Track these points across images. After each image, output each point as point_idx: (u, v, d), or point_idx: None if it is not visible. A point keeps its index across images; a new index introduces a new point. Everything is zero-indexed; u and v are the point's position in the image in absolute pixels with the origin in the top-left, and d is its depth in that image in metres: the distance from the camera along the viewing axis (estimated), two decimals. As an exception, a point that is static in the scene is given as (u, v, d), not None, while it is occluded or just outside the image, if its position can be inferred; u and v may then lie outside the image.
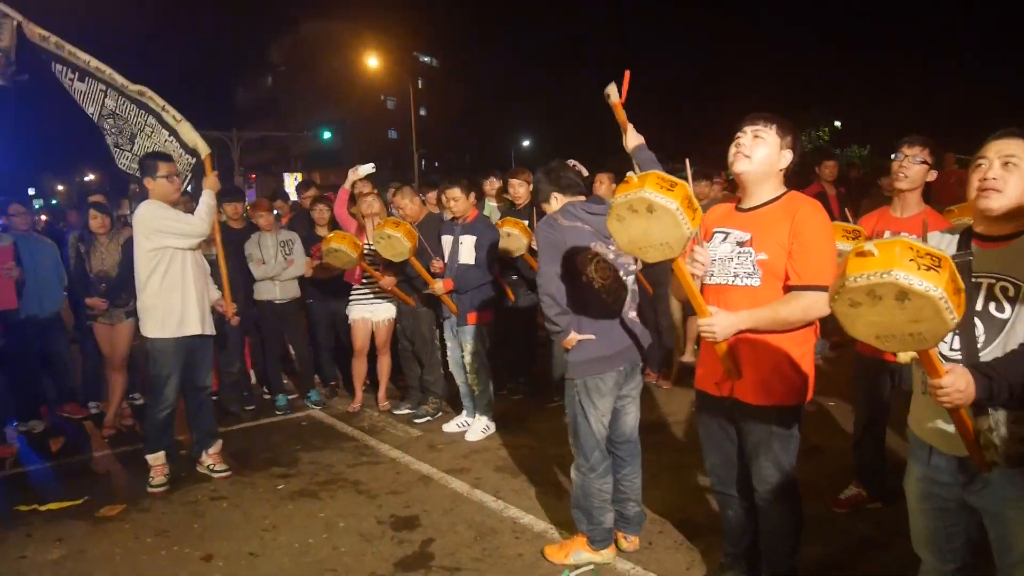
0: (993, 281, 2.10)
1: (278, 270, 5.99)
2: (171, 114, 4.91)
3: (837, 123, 43.64)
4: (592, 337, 3.33)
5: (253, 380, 6.84)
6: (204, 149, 4.97)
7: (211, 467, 4.75)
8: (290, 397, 6.44)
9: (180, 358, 4.53)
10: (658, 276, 6.40)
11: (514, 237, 5.49)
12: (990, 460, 2.03)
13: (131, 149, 5.01)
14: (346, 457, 5.03)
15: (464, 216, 5.27)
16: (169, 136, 4.93)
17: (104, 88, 4.95)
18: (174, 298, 4.45)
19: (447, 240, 5.38)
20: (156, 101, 4.91)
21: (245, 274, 5.98)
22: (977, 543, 2.36)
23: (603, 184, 6.47)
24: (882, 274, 1.69)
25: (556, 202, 3.61)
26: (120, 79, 4.90)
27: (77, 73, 4.93)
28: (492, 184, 6.92)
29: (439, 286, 5.16)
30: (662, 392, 6.42)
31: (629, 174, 2.53)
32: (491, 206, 6.86)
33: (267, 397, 6.56)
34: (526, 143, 51.13)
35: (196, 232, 4.51)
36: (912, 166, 3.61)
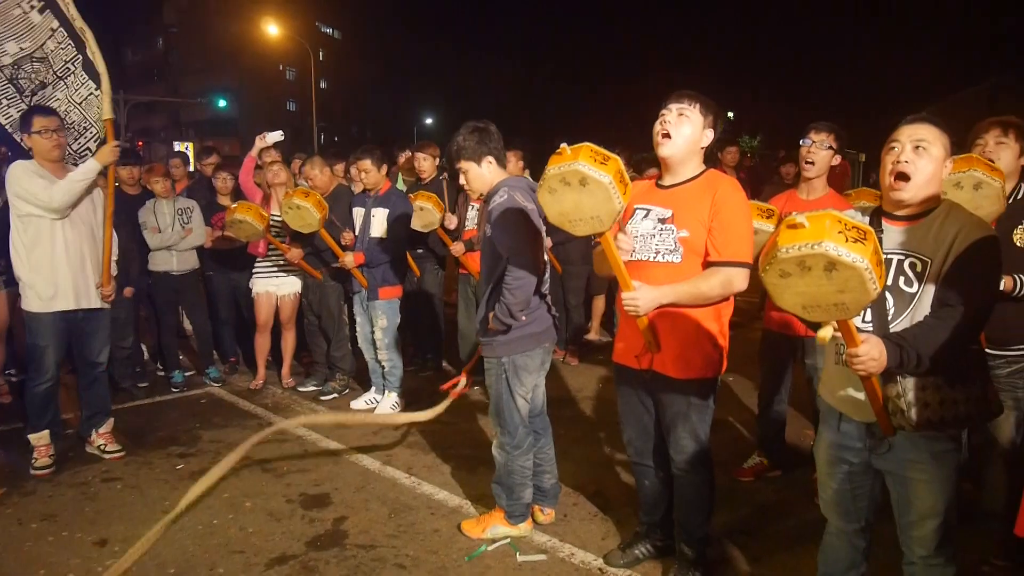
0: (903, 257, 2.21)
1: (175, 239, 5.67)
2: (100, 63, 4.31)
3: (730, 114, 45.28)
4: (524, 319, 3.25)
5: (146, 356, 6.48)
6: (107, 112, 4.34)
7: (102, 447, 4.45)
8: (187, 374, 6.13)
9: (59, 331, 4.21)
10: (568, 254, 6.47)
11: (427, 211, 5.40)
12: (897, 425, 2.14)
13: (28, 101, 4.41)
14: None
15: (376, 188, 5.13)
16: (96, 90, 4.37)
17: (56, 26, 4.31)
18: (43, 271, 4.11)
19: (358, 212, 5.22)
20: (91, 45, 4.29)
21: (139, 243, 5.63)
22: (879, 503, 2.51)
23: (510, 162, 6.43)
24: (813, 245, 1.74)
25: (487, 168, 3.33)
26: (73, 9, 4.28)
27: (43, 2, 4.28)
28: (404, 158, 6.77)
29: (350, 259, 5.01)
30: (570, 368, 6.49)
31: (562, 146, 2.50)
32: (401, 180, 6.72)
33: (161, 374, 6.23)
34: (429, 120, 50.65)
35: (51, 206, 4.04)
36: (820, 151, 3.75)
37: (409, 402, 5.39)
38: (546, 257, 3.49)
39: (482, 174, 3.35)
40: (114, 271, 4.52)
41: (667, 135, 2.73)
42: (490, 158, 3.34)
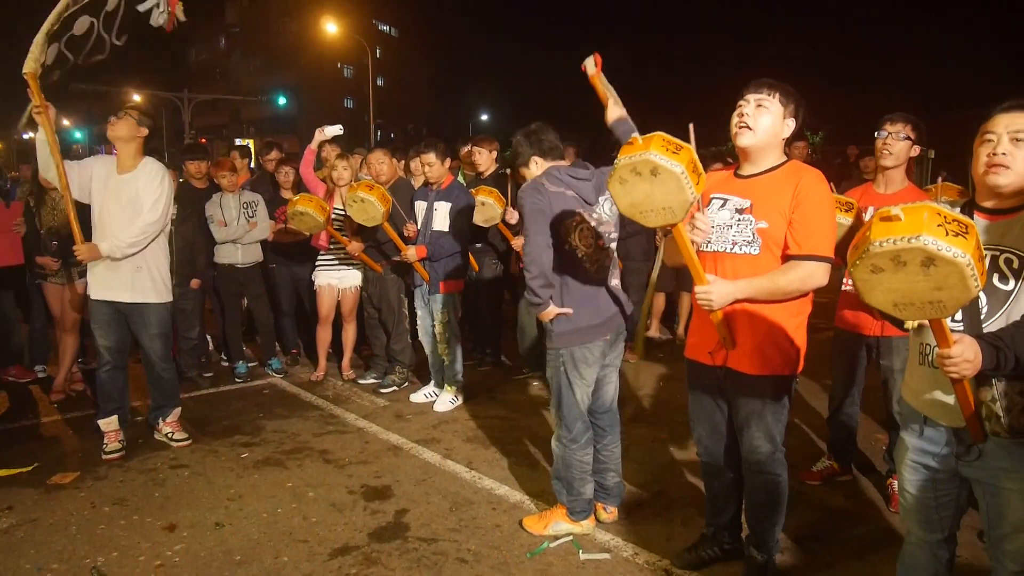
0: (997, 253, 2.09)
1: (240, 232, 5.77)
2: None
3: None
4: (570, 311, 3.23)
5: (211, 346, 6.63)
6: (27, 66, 3.98)
7: (170, 435, 4.56)
8: (250, 364, 6.25)
9: (105, 319, 4.30)
10: (628, 250, 6.38)
11: (488, 206, 5.38)
12: (991, 431, 2.02)
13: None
14: (311, 426, 4.90)
15: (439, 182, 5.13)
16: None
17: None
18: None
19: (420, 206, 5.24)
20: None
21: (206, 236, 5.75)
22: (965, 511, 2.39)
23: (567, 159, 6.38)
24: (910, 239, 1.64)
25: (536, 166, 3.44)
26: None
27: None
28: (466, 151, 6.77)
29: (412, 253, 5.02)
30: (630, 366, 6.41)
31: (634, 135, 2.45)
32: (462, 174, 6.73)
33: (226, 364, 6.37)
34: (484, 117, 50.82)
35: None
36: (896, 142, 3.60)
37: (468, 397, 5.38)
38: (614, 247, 3.41)
39: (533, 174, 3.43)
40: (115, 254, 4.23)
41: (746, 126, 2.64)
42: (536, 158, 3.45)
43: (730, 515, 3.06)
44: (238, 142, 32.59)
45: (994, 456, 2.14)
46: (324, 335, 5.98)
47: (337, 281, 5.79)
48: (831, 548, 3.26)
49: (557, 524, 3.37)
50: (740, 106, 2.67)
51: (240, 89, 47.22)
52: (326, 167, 5.99)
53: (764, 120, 2.63)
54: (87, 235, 4.21)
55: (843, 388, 3.88)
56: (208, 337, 6.57)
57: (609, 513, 3.52)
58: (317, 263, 5.83)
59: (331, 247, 5.73)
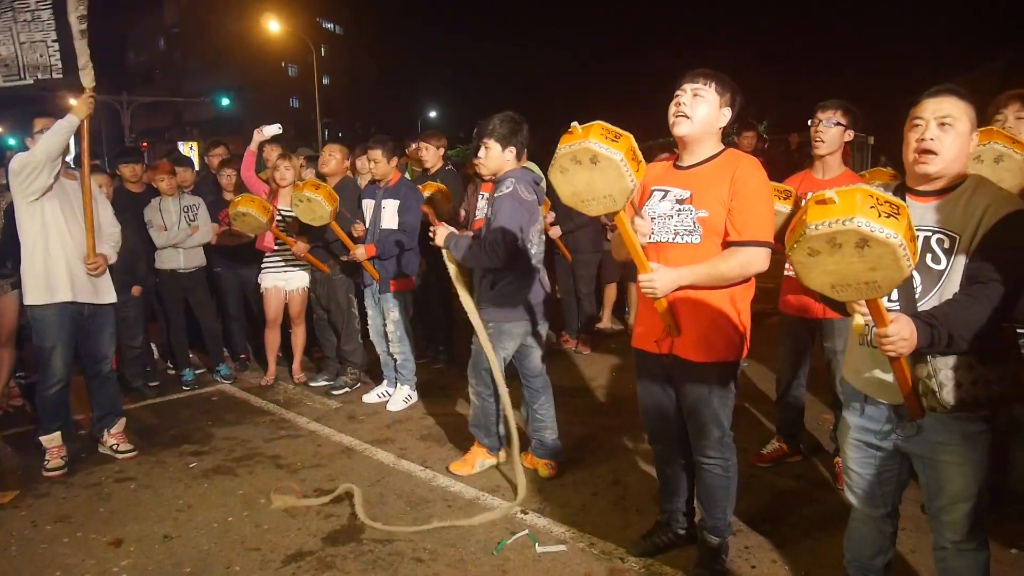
0: (929, 234, 2.14)
1: (182, 237, 5.63)
2: (83, 27, 4.04)
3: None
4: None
5: (156, 355, 6.45)
6: (89, 82, 4.13)
7: (115, 447, 4.42)
8: (198, 371, 6.11)
9: (65, 330, 4.17)
10: (578, 242, 6.41)
11: (435, 202, 5.34)
12: (928, 407, 2.08)
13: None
14: (262, 431, 4.80)
15: (386, 179, 5.07)
16: (53, 42, 4.15)
17: None
18: (36, 260, 4.08)
19: (368, 204, 5.17)
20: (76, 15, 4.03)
21: (146, 241, 5.59)
22: (906, 486, 2.45)
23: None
24: (844, 221, 1.67)
25: (508, 154, 3.78)
26: None
27: None
28: (413, 148, 6.71)
29: (361, 252, 4.95)
30: (582, 357, 6.44)
31: (573, 124, 2.45)
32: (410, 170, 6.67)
33: (172, 372, 6.21)
34: (433, 114, 50.53)
35: (37, 158, 3.95)
36: (829, 129, 3.67)
37: (422, 395, 5.35)
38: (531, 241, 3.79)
39: (501, 158, 3.79)
40: (112, 259, 4.43)
41: (683, 115, 2.67)
42: (512, 148, 3.79)
43: (683, 501, 3.09)
44: (181, 146, 31.93)
45: (932, 431, 2.20)
46: (273, 338, 5.87)
47: (284, 283, 5.69)
48: (783, 528, 3.32)
49: (482, 461, 4.01)
50: (677, 96, 2.70)
51: (182, 91, 46.10)
52: (268, 167, 5.88)
53: (701, 109, 2.66)
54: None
55: (790, 371, 3.95)
56: (152, 345, 6.40)
57: (552, 468, 3.93)
58: (263, 265, 5.71)
59: (276, 248, 5.63)
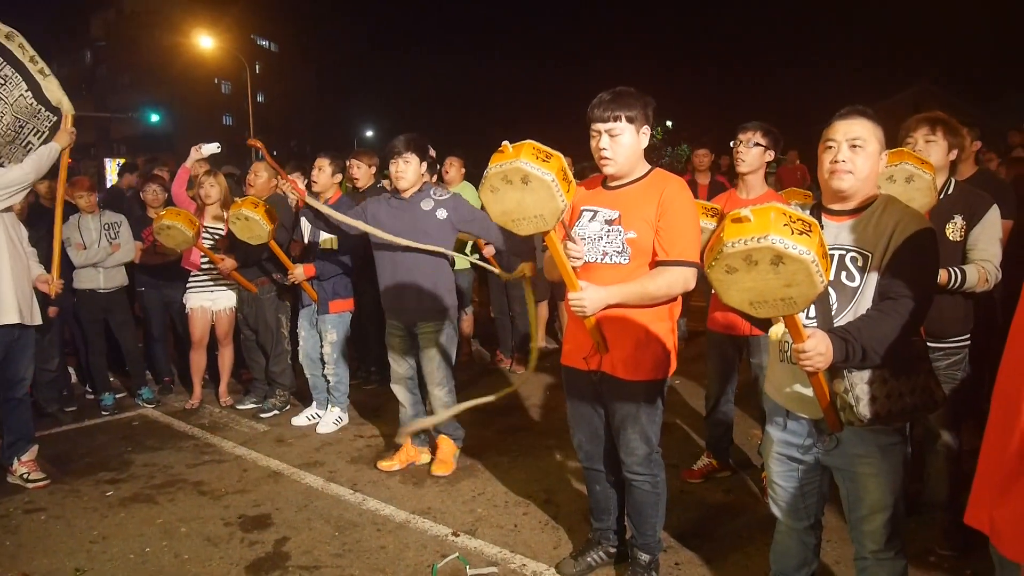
0: (844, 252, 2.21)
1: (102, 256, 5.42)
2: (39, 67, 4.24)
3: (669, 123, 45.97)
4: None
5: (74, 378, 6.17)
6: (68, 108, 4.33)
7: (25, 476, 4.19)
8: (118, 395, 5.86)
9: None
10: (511, 262, 6.41)
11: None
12: (846, 420, 2.13)
13: None
14: (185, 457, 4.63)
15: (326, 195, 4.97)
16: (27, 91, 4.22)
17: None
18: None
19: (306, 222, 5.05)
20: (26, 50, 4.21)
21: (63, 260, 5.35)
22: (827, 499, 2.51)
23: (453, 167, 6.40)
24: (759, 239, 1.71)
25: (422, 169, 4.17)
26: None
27: None
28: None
29: (300, 272, 4.83)
30: (516, 376, 6.43)
31: (504, 143, 2.45)
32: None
33: (91, 396, 5.94)
34: (369, 133, 50.25)
35: (28, 178, 4.16)
36: (749, 150, 3.79)
37: (353, 416, 5.24)
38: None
39: (419, 172, 4.14)
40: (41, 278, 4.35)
41: (606, 159, 2.69)
42: (426, 163, 4.16)
43: (613, 518, 3.10)
44: (108, 163, 30.93)
45: (850, 444, 2.26)
46: (198, 360, 5.68)
47: (210, 303, 5.52)
48: (712, 543, 3.36)
49: (456, 454, 4.36)
50: (594, 137, 2.71)
51: (109, 106, 44.67)
52: (196, 184, 5.72)
53: (621, 148, 2.67)
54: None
55: (718, 387, 4.01)
56: (70, 369, 6.13)
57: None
58: (188, 284, 5.53)
59: (203, 266, 5.46)
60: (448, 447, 4.35)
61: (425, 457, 4.42)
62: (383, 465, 4.31)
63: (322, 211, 4.21)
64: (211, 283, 5.50)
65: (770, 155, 3.82)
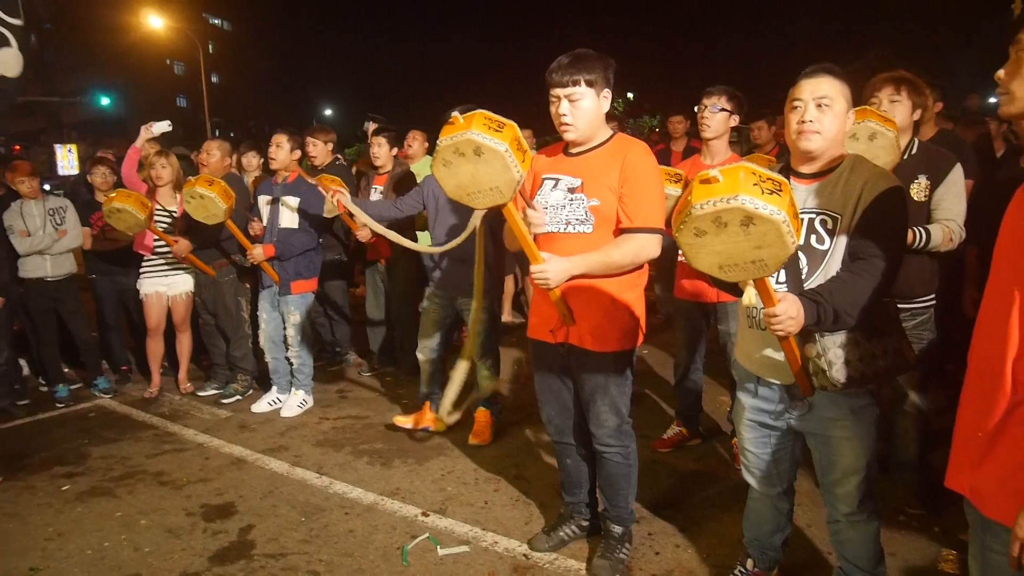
0: (813, 215, 2.16)
1: (47, 243, 5.19)
2: None
3: (630, 95, 45.96)
4: None
5: (26, 371, 5.95)
6: None
7: (-25, 473, 4.04)
8: (73, 387, 5.66)
9: None
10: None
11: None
12: (819, 385, 2.09)
13: None
14: (145, 447, 4.49)
15: (284, 172, 4.82)
16: None
17: None
18: None
19: (264, 201, 4.89)
20: None
21: (7, 248, 5.13)
22: (800, 464, 2.49)
23: (416, 141, 6.25)
24: (728, 199, 1.64)
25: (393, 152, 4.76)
26: None
27: None
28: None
29: (259, 252, 4.67)
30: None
31: (454, 114, 2.34)
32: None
33: (44, 389, 5.74)
34: (328, 112, 49.50)
35: None
36: (713, 115, 3.72)
37: (318, 399, 5.14)
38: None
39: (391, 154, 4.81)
40: None
41: (567, 124, 2.59)
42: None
43: (585, 492, 3.05)
44: (59, 149, 29.98)
45: (823, 408, 2.23)
46: (155, 348, 5.50)
47: (166, 288, 5.34)
48: (684, 512, 3.34)
49: (492, 426, 4.37)
50: (553, 103, 2.60)
51: (58, 90, 43.21)
52: (146, 166, 5.51)
53: (582, 113, 2.58)
54: None
55: (687, 356, 3.98)
56: (22, 361, 5.91)
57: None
58: (141, 270, 5.33)
59: (156, 250, 5.27)
60: (484, 418, 4.36)
61: (440, 425, 4.39)
62: (398, 420, 4.44)
63: (364, 217, 3.95)
64: (166, 267, 5.32)
65: (735, 120, 3.76)
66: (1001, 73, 1.51)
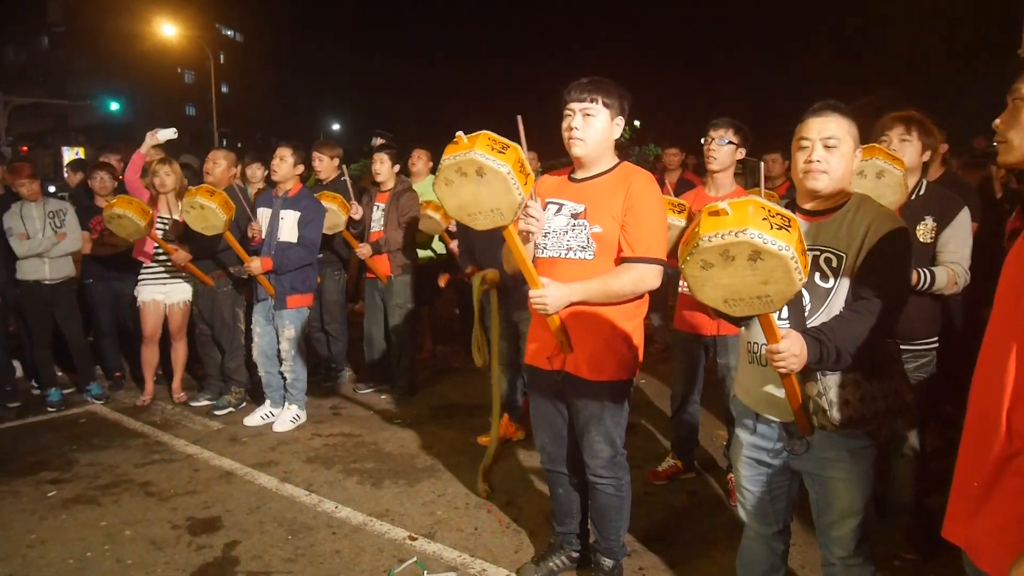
0: (818, 253, 2.14)
1: (47, 245, 5.17)
2: None
3: (637, 123, 46.16)
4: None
5: (19, 373, 5.91)
6: None
7: (-41, 475, 3.98)
8: (66, 391, 5.62)
9: None
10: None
11: (332, 213, 5.13)
12: (818, 424, 2.06)
13: None
14: (133, 456, 4.43)
15: (285, 184, 4.81)
16: None
17: None
18: None
19: (264, 213, 4.87)
20: None
21: (6, 250, 5.11)
22: (796, 504, 2.45)
23: (420, 160, 6.26)
24: (736, 232, 1.62)
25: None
26: None
27: None
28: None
29: (256, 265, 4.63)
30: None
31: (458, 134, 2.33)
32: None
33: (37, 392, 5.69)
34: (336, 126, 49.77)
35: None
36: (720, 147, 3.72)
37: (311, 415, 5.09)
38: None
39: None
40: None
41: (577, 138, 2.59)
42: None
43: (576, 522, 3.00)
44: (66, 152, 30.04)
45: (821, 447, 2.19)
46: (150, 355, 5.46)
47: (163, 296, 5.31)
48: (676, 547, 3.28)
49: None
50: (567, 116, 2.62)
51: (67, 93, 43.40)
52: (150, 173, 5.51)
53: (593, 130, 2.59)
54: None
55: (684, 388, 3.95)
56: (16, 363, 5.86)
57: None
58: (140, 277, 5.32)
59: (156, 257, 5.25)
60: (505, 421, 4.48)
61: (520, 435, 4.50)
62: (481, 439, 4.46)
63: None
64: (165, 275, 5.30)
65: (741, 152, 3.76)
66: (999, 122, 1.50)
